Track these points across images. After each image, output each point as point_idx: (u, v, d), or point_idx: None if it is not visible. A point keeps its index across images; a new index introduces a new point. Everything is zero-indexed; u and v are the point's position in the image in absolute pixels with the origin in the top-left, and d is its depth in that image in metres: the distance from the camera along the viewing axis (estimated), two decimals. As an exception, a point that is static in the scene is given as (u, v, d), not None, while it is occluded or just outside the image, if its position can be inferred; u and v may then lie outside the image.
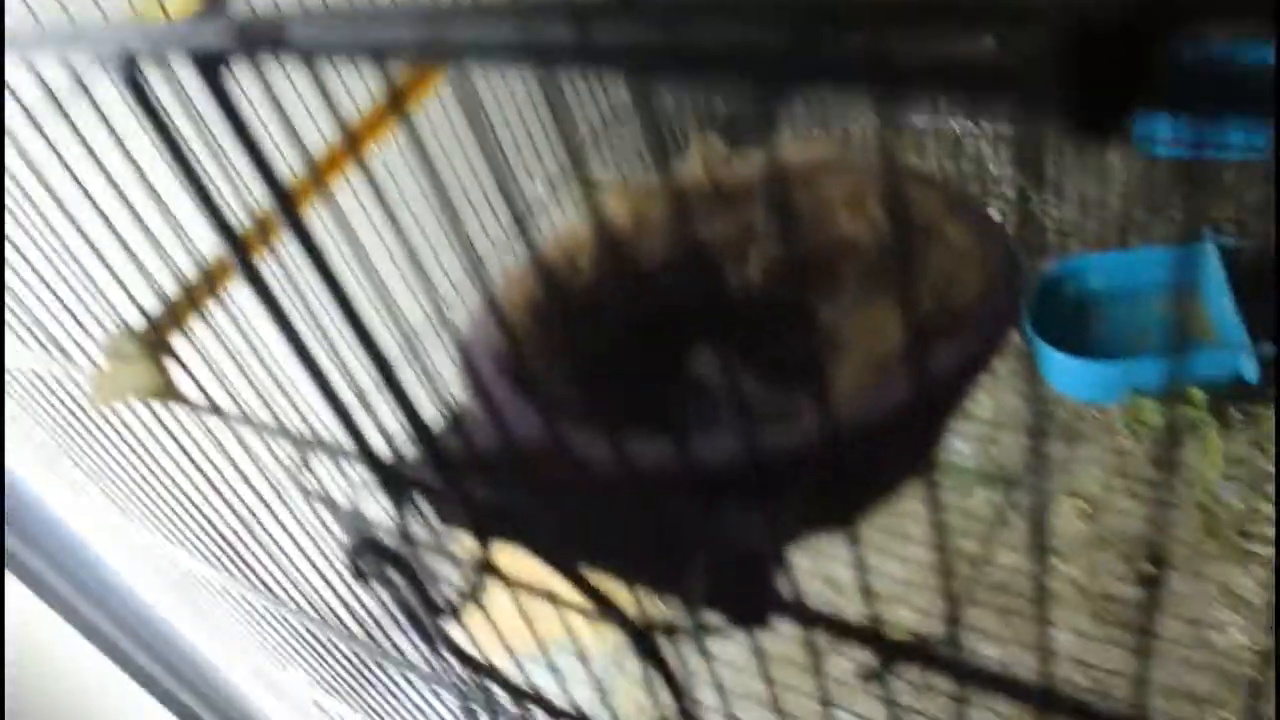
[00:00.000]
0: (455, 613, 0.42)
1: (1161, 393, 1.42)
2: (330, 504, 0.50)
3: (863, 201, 0.51)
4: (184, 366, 0.54)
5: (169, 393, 0.54)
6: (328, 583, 0.78)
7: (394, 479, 0.44)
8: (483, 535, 0.42)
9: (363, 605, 0.73)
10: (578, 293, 0.53)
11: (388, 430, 0.47)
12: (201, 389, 0.55)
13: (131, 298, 0.54)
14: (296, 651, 0.97)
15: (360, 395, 0.45)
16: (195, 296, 0.51)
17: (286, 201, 0.34)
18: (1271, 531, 1.31)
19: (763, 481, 0.38)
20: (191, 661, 1.03)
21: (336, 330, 0.44)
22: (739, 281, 0.53)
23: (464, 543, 0.45)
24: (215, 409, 0.54)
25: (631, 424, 0.53)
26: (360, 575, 0.43)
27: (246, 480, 0.68)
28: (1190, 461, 1.40)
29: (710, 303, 0.54)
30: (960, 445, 1.46)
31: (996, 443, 1.49)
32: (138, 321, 0.56)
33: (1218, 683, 1.20)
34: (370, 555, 0.42)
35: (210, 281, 0.50)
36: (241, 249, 0.37)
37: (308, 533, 0.70)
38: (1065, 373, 1.44)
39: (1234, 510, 1.34)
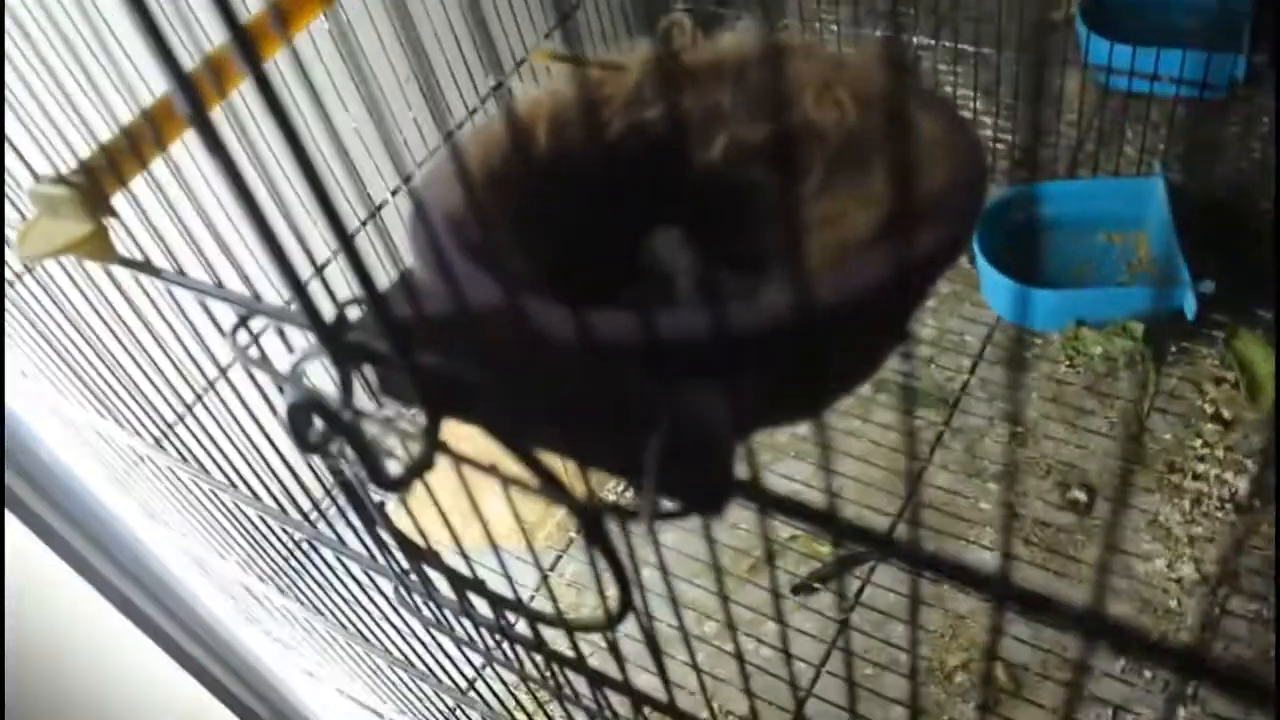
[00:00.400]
0: (400, 488, 0.41)
1: (1101, 323, 1.44)
2: (270, 370, 0.48)
3: (830, 88, 0.50)
4: (119, 220, 0.51)
5: (103, 250, 0.51)
6: (265, 462, 0.76)
7: (340, 346, 0.43)
8: (431, 407, 0.41)
9: (302, 487, 0.72)
10: (536, 161, 0.51)
11: (335, 296, 0.46)
12: (137, 246, 0.53)
13: (64, 139, 0.51)
14: (231, 536, 0.95)
15: (310, 257, 0.43)
16: (135, 143, 0.48)
17: (245, 42, 0.32)
18: (1199, 468, 1.35)
19: (725, 360, 0.37)
20: (130, 549, 1.01)
21: (289, 188, 0.42)
22: (702, 162, 0.51)
23: (410, 417, 0.44)
24: (151, 268, 0.52)
25: (589, 298, 0.52)
26: (300, 441, 0.42)
27: (186, 349, 0.66)
28: (1125, 393, 1.43)
29: (671, 181, 0.52)
30: (901, 365, 1.47)
31: (936, 363, 1.50)
32: (70, 167, 0.53)
33: (1140, 609, 1.24)
34: (311, 417, 0.41)
35: (153, 127, 0.47)
36: (191, 89, 0.35)
37: (246, 407, 0.68)
38: (1009, 298, 1.45)
39: (1164, 443, 1.37)
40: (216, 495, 0.85)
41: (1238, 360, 1.42)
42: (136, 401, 0.84)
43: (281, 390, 0.51)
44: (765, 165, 0.50)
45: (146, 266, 0.52)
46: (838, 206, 0.46)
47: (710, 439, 0.37)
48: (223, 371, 0.86)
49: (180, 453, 0.89)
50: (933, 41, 1.59)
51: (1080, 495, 1.35)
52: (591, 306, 0.41)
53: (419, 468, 0.42)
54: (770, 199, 0.50)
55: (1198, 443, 1.37)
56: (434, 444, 0.42)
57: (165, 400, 0.86)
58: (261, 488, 0.81)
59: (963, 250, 0.42)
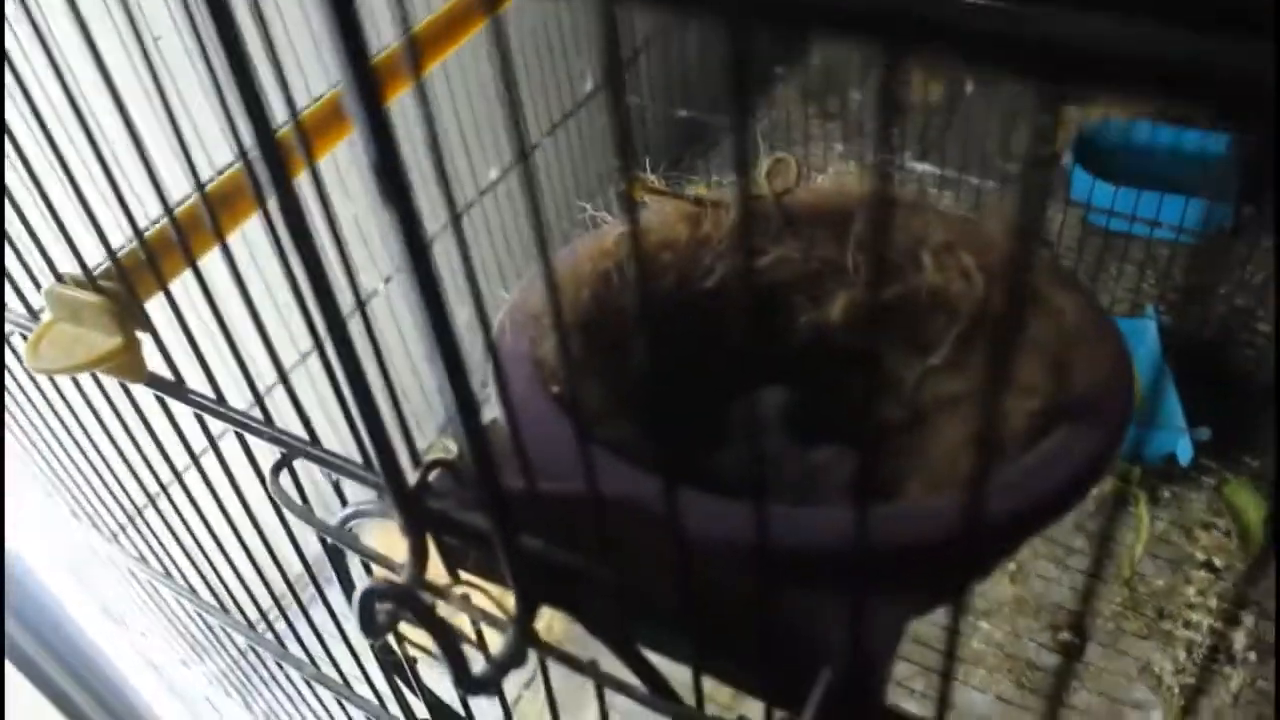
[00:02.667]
0: (488, 689, 0.35)
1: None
2: (317, 523, 0.42)
3: (951, 251, 0.46)
4: (153, 333, 0.46)
5: (131, 368, 0.45)
6: (231, 565, 0.69)
7: (422, 514, 0.37)
8: (527, 596, 0.35)
9: (312, 627, 0.65)
10: (628, 307, 0.46)
11: (415, 447, 0.40)
12: (167, 361, 0.47)
13: (94, 226, 0.45)
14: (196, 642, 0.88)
15: (395, 402, 0.38)
16: (177, 239, 0.42)
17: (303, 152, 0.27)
18: (1192, 615, 1.32)
19: (898, 573, 0.32)
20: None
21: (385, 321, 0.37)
22: (814, 320, 0.47)
23: (494, 596, 0.38)
24: (186, 393, 0.46)
25: (681, 460, 0.47)
26: (368, 626, 0.36)
27: (209, 482, 0.59)
28: (1117, 536, 1.40)
29: (775, 337, 0.48)
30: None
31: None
32: (97, 267, 0.47)
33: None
34: (385, 608, 0.35)
35: (212, 221, 0.41)
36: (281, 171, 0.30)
37: (265, 538, 0.62)
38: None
39: (1155, 588, 1.35)
40: (180, 602, 0.77)
41: (1229, 508, 1.40)
42: (95, 492, 0.77)
43: (324, 544, 0.45)
44: (889, 331, 0.45)
45: (181, 390, 0.46)
46: (975, 388, 0.42)
47: (875, 665, 0.32)
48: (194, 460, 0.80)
49: (138, 549, 0.82)
50: (919, 165, 1.60)
51: (1071, 637, 1.31)
52: (725, 495, 0.36)
53: (509, 665, 0.36)
54: (896, 369, 0.45)
55: (1189, 590, 1.35)
56: (527, 637, 0.36)
57: (125, 492, 0.79)
58: (223, 590, 0.74)
59: (1115, 454, 0.38)
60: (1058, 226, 1.63)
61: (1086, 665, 1.30)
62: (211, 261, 0.44)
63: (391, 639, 0.42)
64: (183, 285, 0.47)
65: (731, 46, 0.19)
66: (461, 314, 0.29)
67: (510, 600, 0.37)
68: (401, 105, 0.29)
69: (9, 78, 0.41)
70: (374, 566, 0.41)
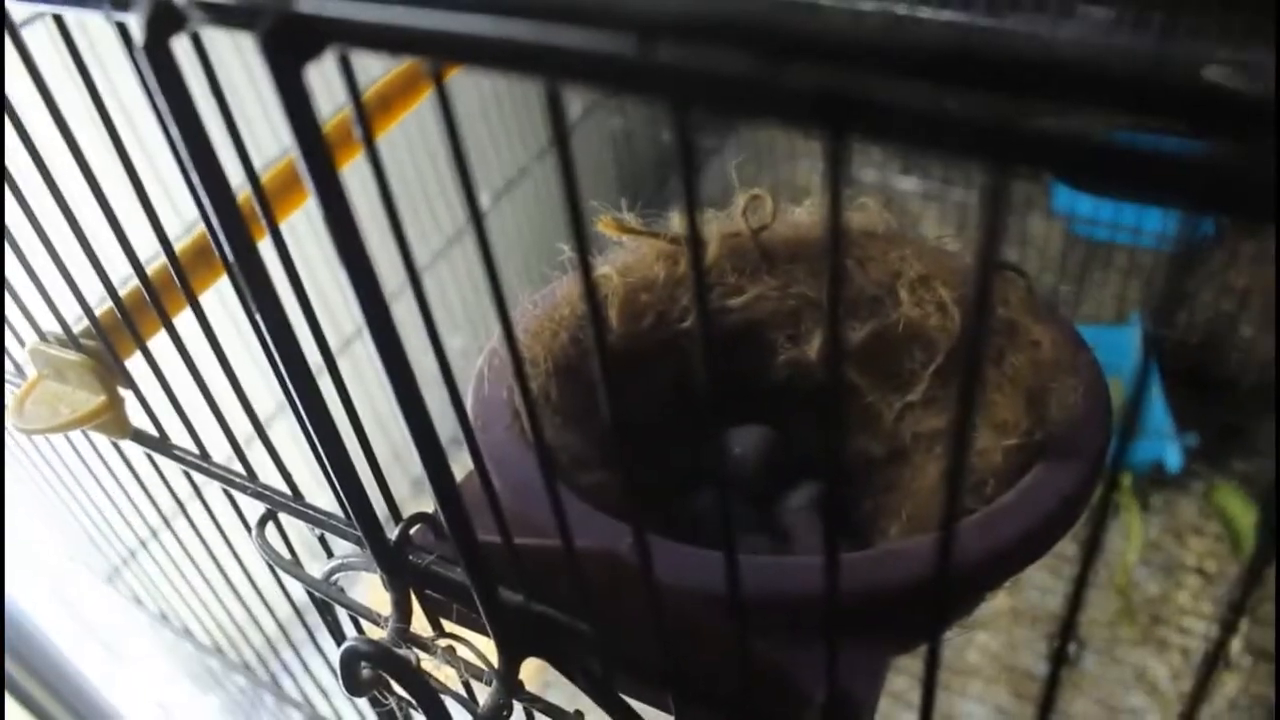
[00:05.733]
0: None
1: (1090, 472, 1.42)
2: (303, 576, 0.42)
3: (928, 284, 0.46)
4: (135, 389, 0.46)
5: (115, 425, 0.45)
6: (223, 606, 0.70)
7: (402, 569, 0.37)
8: (511, 648, 0.35)
9: (307, 671, 0.65)
10: (609, 353, 0.46)
11: (394, 500, 0.40)
12: (151, 417, 0.47)
13: (76, 292, 0.45)
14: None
15: (371, 460, 0.38)
16: (157, 295, 0.43)
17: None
18: (1185, 621, 1.32)
19: (877, 617, 0.32)
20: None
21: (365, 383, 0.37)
22: (791, 359, 0.47)
23: (478, 649, 0.38)
24: (170, 448, 0.46)
25: (656, 500, 0.47)
26: (351, 684, 0.36)
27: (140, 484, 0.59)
28: (1110, 544, 1.41)
29: (751, 377, 0.48)
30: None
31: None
32: (79, 326, 0.47)
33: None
34: (368, 666, 0.35)
35: (181, 284, 0.41)
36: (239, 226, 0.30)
37: (255, 585, 0.62)
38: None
39: (1149, 596, 1.35)
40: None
41: (1219, 513, 1.41)
42: (88, 536, 0.77)
43: (312, 597, 0.45)
44: (864, 369, 0.46)
45: (165, 445, 0.46)
46: (952, 425, 0.42)
47: (857, 710, 0.32)
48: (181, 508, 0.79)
49: (133, 592, 0.82)
50: (903, 181, 1.60)
51: (1061, 645, 1.32)
52: (702, 541, 0.36)
53: (494, 718, 0.36)
54: (871, 408, 0.45)
55: (1181, 595, 1.35)
56: (512, 690, 0.37)
57: (118, 537, 0.79)
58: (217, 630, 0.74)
59: (1093, 489, 0.38)
60: (1041, 238, 1.64)
61: (1083, 673, 1.30)
62: (191, 317, 0.44)
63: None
64: (165, 340, 0.47)
65: (676, 131, 0.19)
66: (454, 343, 0.30)
67: (495, 651, 0.38)
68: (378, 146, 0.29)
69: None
70: (362, 621, 0.41)
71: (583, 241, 0.23)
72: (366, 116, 0.25)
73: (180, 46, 0.27)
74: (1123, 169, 0.16)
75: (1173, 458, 1.37)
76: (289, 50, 0.23)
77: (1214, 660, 0.26)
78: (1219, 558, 1.38)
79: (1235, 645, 1.29)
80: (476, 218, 0.24)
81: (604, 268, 0.49)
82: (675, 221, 0.51)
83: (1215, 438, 1.42)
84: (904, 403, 0.45)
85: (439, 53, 0.21)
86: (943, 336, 0.44)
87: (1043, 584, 1.38)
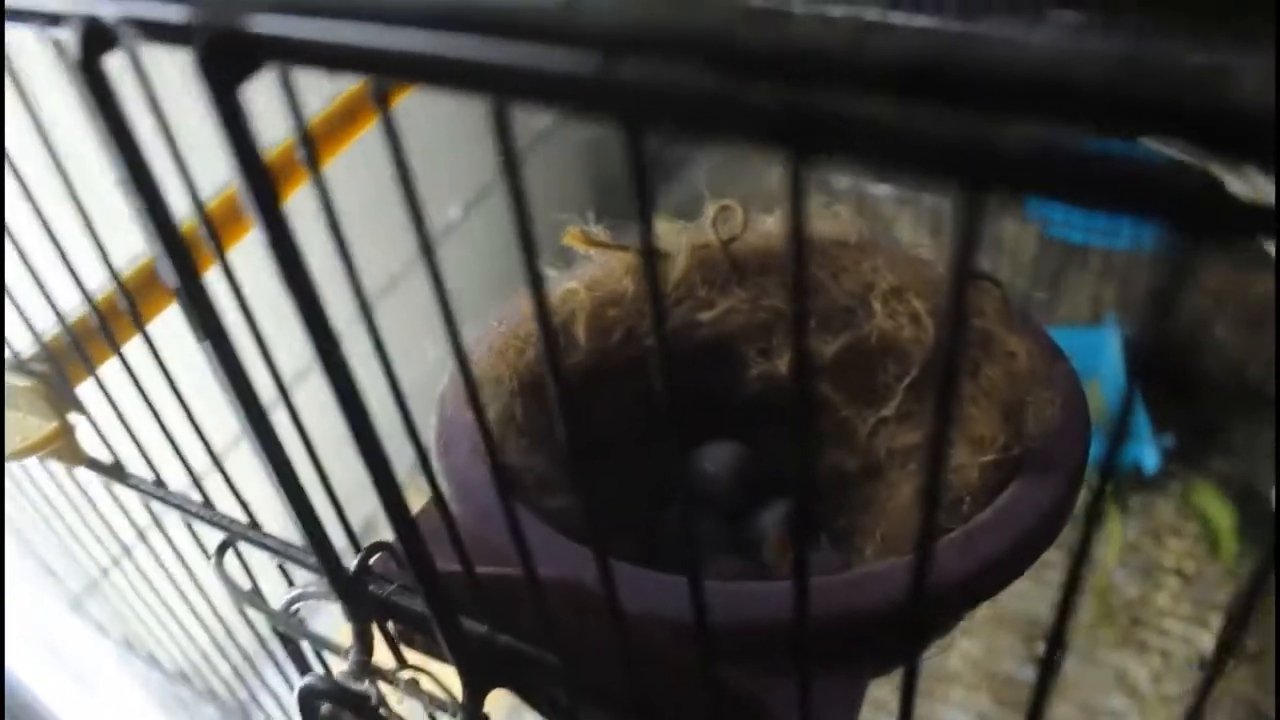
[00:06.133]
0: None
1: (1067, 475, 1.43)
2: (263, 606, 0.41)
3: (901, 295, 0.45)
4: (87, 415, 0.44)
5: (67, 452, 0.44)
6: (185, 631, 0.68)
7: (362, 601, 0.36)
8: (475, 680, 0.34)
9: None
10: (576, 370, 0.45)
11: (351, 528, 0.39)
12: (106, 445, 0.45)
13: (24, 317, 0.44)
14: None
15: (326, 486, 0.37)
16: (107, 320, 0.41)
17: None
18: (1165, 623, 1.32)
19: (852, 643, 0.31)
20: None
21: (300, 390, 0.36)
22: (762, 373, 0.46)
23: (442, 681, 0.37)
24: (125, 475, 0.45)
25: (625, 519, 0.46)
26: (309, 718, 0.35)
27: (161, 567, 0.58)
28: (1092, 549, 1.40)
29: (721, 392, 0.47)
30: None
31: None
32: (28, 351, 0.45)
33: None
34: (326, 703, 0.34)
35: (129, 308, 0.40)
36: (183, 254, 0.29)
37: (219, 620, 0.60)
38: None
39: (1127, 598, 1.35)
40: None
41: (1196, 514, 1.41)
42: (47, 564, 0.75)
43: (276, 631, 0.44)
44: (837, 383, 0.45)
45: (119, 472, 0.45)
46: (927, 440, 0.41)
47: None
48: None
49: (96, 621, 0.80)
50: (876, 187, 1.60)
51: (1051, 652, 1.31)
52: (674, 563, 0.35)
53: (459, 757, 0.35)
54: (845, 423, 0.45)
55: (1160, 597, 1.35)
56: (477, 724, 0.35)
57: (78, 565, 0.77)
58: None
59: (1073, 504, 0.38)
60: (1014, 241, 1.64)
61: (1063, 676, 1.30)
62: (141, 343, 0.43)
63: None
64: (119, 365, 0.46)
65: (630, 151, 0.18)
66: (431, 354, 0.28)
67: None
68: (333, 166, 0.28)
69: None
70: (323, 653, 0.40)
71: (533, 264, 0.22)
72: (311, 138, 0.24)
73: (119, 64, 0.26)
74: (1105, 188, 0.15)
75: (1150, 459, 1.37)
76: (225, 68, 0.22)
77: (1225, 655, 0.25)
78: (1198, 559, 1.38)
79: (1212, 645, 1.29)
80: (426, 245, 0.23)
81: (570, 282, 0.48)
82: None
83: (1191, 438, 1.42)
84: (878, 417, 0.44)
85: (381, 70, 0.20)
86: (916, 349, 0.43)
87: (1024, 590, 1.38)
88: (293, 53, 0.21)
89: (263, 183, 0.24)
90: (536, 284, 0.23)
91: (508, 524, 0.29)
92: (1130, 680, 1.28)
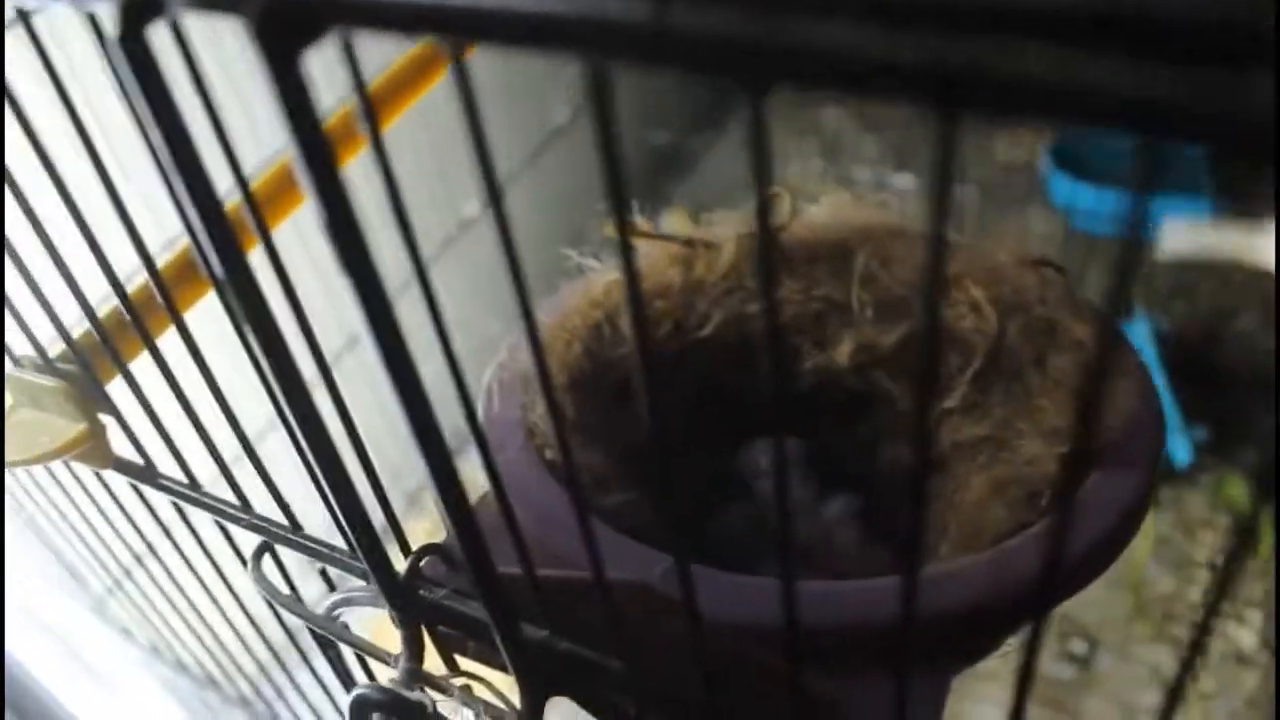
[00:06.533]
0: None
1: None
2: (303, 612, 0.39)
3: (960, 284, 0.44)
4: (118, 416, 0.43)
5: (97, 453, 0.42)
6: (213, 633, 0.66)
7: (414, 606, 0.34)
8: (534, 688, 0.33)
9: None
10: (623, 365, 0.44)
11: (403, 534, 0.37)
12: (136, 446, 0.44)
13: (50, 312, 0.42)
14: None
15: (375, 483, 0.35)
16: (139, 315, 0.40)
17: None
18: (1199, 617, 1.30)
19: (928, 642, 0.30)
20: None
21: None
22: (820, 366, 0.44)
23: (497, 688, 0.35)
24: (156, 477, 0.43)
25: (699, 542, 0.45)
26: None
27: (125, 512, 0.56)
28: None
29: (781, 389, 0.45)
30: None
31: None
32: (56, 349, 0.44)
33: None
34: (379, 714, 0.32)
35: (164, 301, 0.38)
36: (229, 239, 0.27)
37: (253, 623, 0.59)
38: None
39: (1161, 592, 1.33)
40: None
41: (1228, 506, 1.39)
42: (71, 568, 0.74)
43: (313, 634, 0.42)
44: (897, 374, 0.43)
45: (150, 474, 0.43)
46: (997, 431, 0.39)
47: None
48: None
49: (122, 626, 0.78)
50: (898, 178, 1.58)
51: (1080, 647, 1.30)
52: (738, 564, 0.34)
53: (518, 769, 0.33)
54: (906, 416, 0.43)
55: (1193, 591, 1.33)
56: (537, 737, 0.34)
57: (104, 569, 0.76)
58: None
59: (1153, 495, 0.36)
60: (1040, 232, 1.62)
61: (1097, 673, 1.28)
62: (173, 336, 0.41)
63: None
64: (147, 362, 0.44)
65: (753, 115, 0.17)
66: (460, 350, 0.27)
67: (516, 689, 0.35)
68: (360, 156, 0.26)
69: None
70: (369, 660, 0.39)
71: (629, 260, 0.21)
72: (372, 111, 0.22)
73: (157, 38, 0.24)
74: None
75: (1180, 452, 1.35)
76: (284, 36, 0.21)
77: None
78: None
79: (1252, 641, 1.27)
80: (496, 200, 0.22)
81: (612, 274, 0.46)
82: (676, 222, 0.49)
83: (1220, 430, 1.40)
84: (942, 409, 0.42)
85: (457, 30, 0.19)
86: (979, 338, 0.42)
87: (1052, 584, 1.36)
88: (359, 15, 0.20)
89: (322, 158, 0.22)
90: (526, 312, 0.21)
91: (580, 525, 0.27)
92: (1166, 676, 1.26)
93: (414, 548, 0.36)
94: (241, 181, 0.28)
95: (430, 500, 0.29)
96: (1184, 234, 1.37)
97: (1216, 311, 1.57)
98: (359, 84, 0.21)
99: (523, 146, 1.43)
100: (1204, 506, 1.40)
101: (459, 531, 0.29)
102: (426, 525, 1.34)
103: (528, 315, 0.25)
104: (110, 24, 0.23)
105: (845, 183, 1.55)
